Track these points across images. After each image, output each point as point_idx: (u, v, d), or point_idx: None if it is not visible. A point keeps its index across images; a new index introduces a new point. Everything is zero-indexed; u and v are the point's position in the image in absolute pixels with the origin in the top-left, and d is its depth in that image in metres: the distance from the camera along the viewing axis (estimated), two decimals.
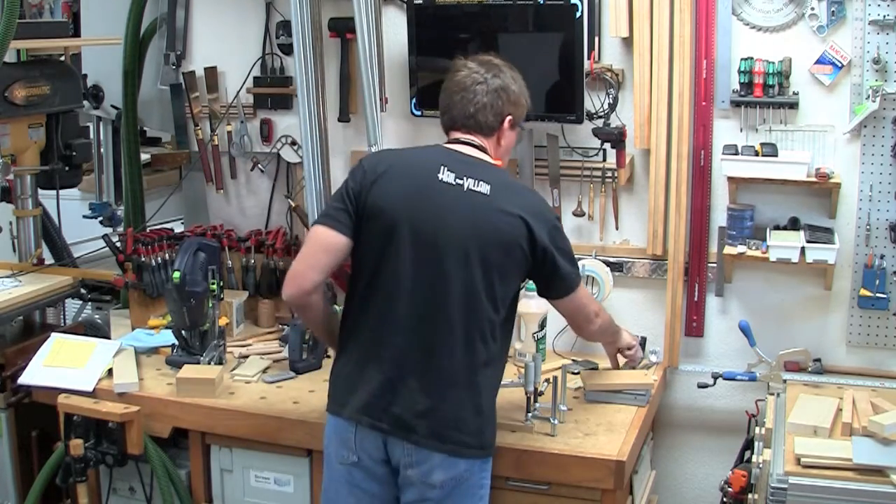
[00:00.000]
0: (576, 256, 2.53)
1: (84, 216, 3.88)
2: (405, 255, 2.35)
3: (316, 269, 2.40)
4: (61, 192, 3.68)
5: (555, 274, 2.45)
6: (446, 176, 2.37)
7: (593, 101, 3.09)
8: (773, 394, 2.86)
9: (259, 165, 3.53)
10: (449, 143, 2.49)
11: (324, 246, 2.40)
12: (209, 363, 3.00)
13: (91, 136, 3.83)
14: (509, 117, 2.48)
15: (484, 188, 2.37)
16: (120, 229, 3.72)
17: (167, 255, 3.39)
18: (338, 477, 2.46)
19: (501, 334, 2.44)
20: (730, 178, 2.96)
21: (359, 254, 2.42)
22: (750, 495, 2.56)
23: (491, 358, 2.41)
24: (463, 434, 2.37)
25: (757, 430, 2.69)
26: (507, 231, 2.36)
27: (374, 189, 2.37)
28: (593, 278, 3.13)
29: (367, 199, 2.38)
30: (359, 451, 2.41)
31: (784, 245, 2.88)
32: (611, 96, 3.07)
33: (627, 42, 3.03)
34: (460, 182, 2.37)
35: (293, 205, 3.47)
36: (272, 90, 3.48)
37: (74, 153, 3.56)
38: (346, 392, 2.43)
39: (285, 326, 3.25)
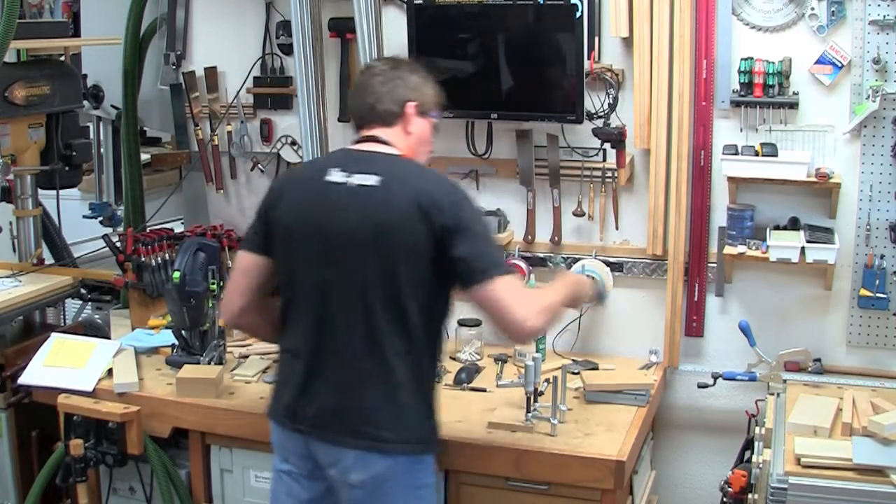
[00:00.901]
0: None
1: (84, 216, 3.88)
2: (306, 263, 2.37)
3: (237, 292, 2.48)
4: (61, 192, 3.68)
5: (458, 258, 2.27)
6: (334, 176, 2.37)
7: (593, 101, 3.09)
8: (773, 394, 2.86)
9: (259, 165, 3.53)
10: (354, 143, 2.49)
11: (242, 269, 2.48)
12: (209, 363, 3.00)
13: (91, 136, 3.83)
14: (412, 103, 2.43)
15: (373, 180, 2.33)
16: (120, 229, 3.71)
17: (167, 255, 3.39)
18: (276, 485, 2.49)
19: (421, 322, 2.31)
20: (730, 178, 2.96)
21: (277, 271, 2.46)
22: (750, 495, 2.56)
23: (408, 349, 2.31)
24: (379, 429, 2.31)
25: (757, 430, 2.69)
26: (399, 219, 2.28)
27: (278, 207, 2.43)
28: (593, 278, 3.13)
29: (272, 218, 2.44)
30: (289, 455, 2.44)
31: (784, 245, 2.88)
32: (611, 96, 3.07)
33: (627, 42, 3.03)
34: (348, 179, 2.35)
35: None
36: (272, 90, 3.48)
37: (74, 153, 3.56)
38: (276, 398, 2.47)
39: None
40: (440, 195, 2.30)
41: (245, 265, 2.47)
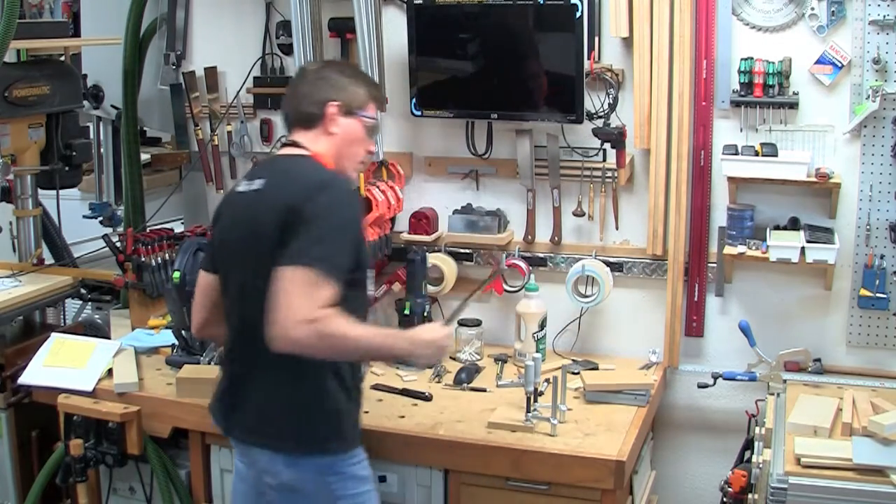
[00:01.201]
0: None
1: (84, 216, 3.87)
2: (227, 273, 2.45)
3: (197, 309, 2.58)
4: (61, 192, 3.68)
5: (287, 243, 2.20)
6: (241, 186, 2.44)
7: (593, 101, 3.09)
8: (773, 394, 2.86)
9: None
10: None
11: (199, 287, 2.57)
12: (209, 363, 3.00)
13: (91, 136, 3.83)
14: (334, 103, 2.41)
15: (258, 184, 2.37)
16: (120, 229, 3.71)
17: (167, 255, 3.39)
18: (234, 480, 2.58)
19: None
20: (730, 178, 2.96)
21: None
22: (750, 495, 2.56)
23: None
24: (281, 431, 2.34)
25: (757, 430, 2.69)
26: (268, 221, 2.26)
27: (216, 224, 2.52)
28: (593, 278, 3.13)
29: (214, 235, 2.54)
30: (234, 457, 2.52)
31: (784, 245, 2.88)
32: (611, 96, 3.07)
33: (627, 42, 3.03)
34: (248, 187, 2.40)
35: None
36: (272, 90, 3.47)
37: (74, 153, 3.56)
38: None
39: None
40: (306, 195, 2.25)
41: (201, 283, 2.56)
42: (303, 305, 2.12)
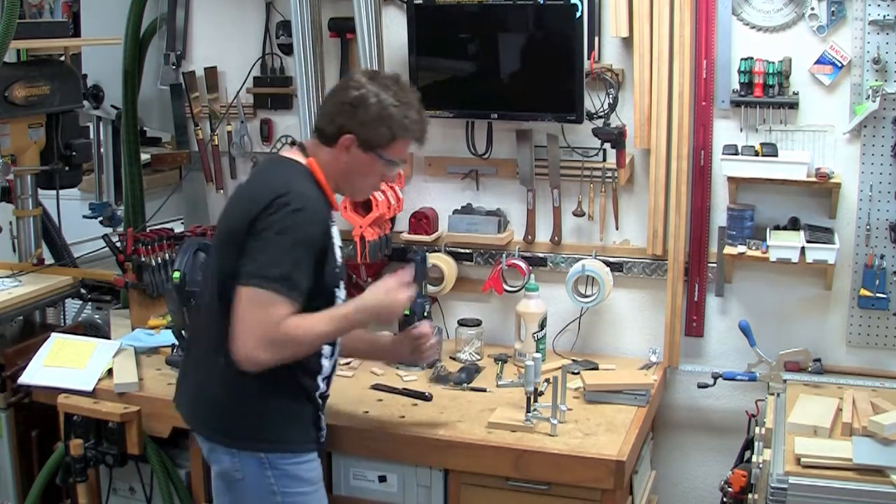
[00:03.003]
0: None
1: (84, 216, 3.88)
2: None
3: None
4: (61, 192, 3.68)
5: (235, 253, 2.23)
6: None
7: (593, 101, 3.09)
8: (773, 394, 2.86)
9: None
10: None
11: None
12: None
13: (91, 136, 3.84)
14: (349, 136, 2.33)
15: (242, 182, 2.44)
16: (120, 229, 3.71)
17: (167, 255, 3.39)
18: None
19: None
20: (730, 178, 2.96)
21: None
22: (750, 495, 2.56)
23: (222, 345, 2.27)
24: (215, 422, 2.38)
25: (757, 430, 2.69)
26: (229, 218, 2.34)
27: None
28: (593, 278, 3.13)
29: None
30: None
31: (784, 245, 2.88)
32: (611, 96, 3.07)
33: (627, 42, 3.03)
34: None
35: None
36: (272, 90, 3.48)
37: (74, 153, 3.56)
38: None
39: None
40: (260, 206, 2.23)
41: None
42: (258, 328, 2.16)
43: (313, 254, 2.26)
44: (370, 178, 2.43)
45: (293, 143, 2.50)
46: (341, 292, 2.45)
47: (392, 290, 2.35)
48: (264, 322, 2.15)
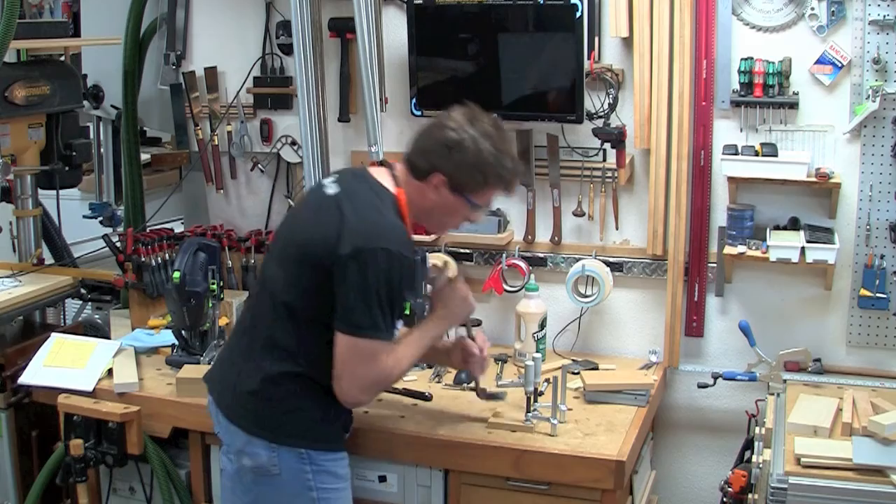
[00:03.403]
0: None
1: (84, 216, 3.87)
2: (267, 256, 2.58)
3: None
4: (61, 192, 3.68)
5: (337, 301, 2.29)
6: (329, 187, 2.42)
7: (593, 101, 3.09)
8: (773, 394, 2.86)
9: (259, 165, 3.53)
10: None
11: None
12: (209, 363, 3.00)
13: (91, 136, 3.83)
14: (439, 175, 2.33)
15: (331, 188, 2.40)
16: (120, 229, 3.71)
17: (167, 255, 3.39)
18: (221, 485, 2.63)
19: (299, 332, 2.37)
20: (730, 178, 2.96)
21: None
22: (750, 495, 2.56)
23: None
24: (253, 413, 2.40)
25: (757, 430, 2.69)
26: (315, 238, 2.32)
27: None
28: (593, 278, 3.13)
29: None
30: (220, 452, 2.54)
31: (784, 245, 2.88)
32: (611, 96, 3.07)
33: (627, 42, 3.03)
34: (328, 190, 2.41)
35: (293, 205, 3.47)
36: (272, 90, 3.48)
37: (74, 153, 3.55)
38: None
39: None
40: (356, 237, 2.26)
41: None
42: (363, 378, 2.32)
43: (403, 294, 2.36)
44: (453, 218, 2.46)
45: (382, 164, 2.49)
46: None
47: (466, 298, 2.54)
48: (369, 372, 2.30)
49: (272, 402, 2.39)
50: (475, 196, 2.38)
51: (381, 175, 2.43)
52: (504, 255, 3.24)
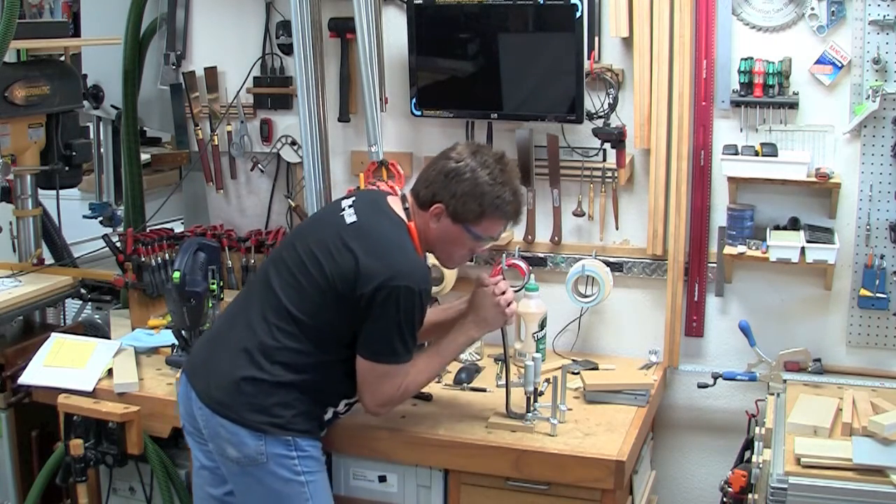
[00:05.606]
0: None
1: (84, 216, 3.88)
2: (270, 259, 2.60)
3: None
4: (61, 192, 3.68)
5: (363, 328, 2.40)
6: (346, 212, 2.48)
7: (593, 101, 3.09)
8: (773, 394, 2.86)
9: (259, 165, 3.53)
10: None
11: None
12: None
13: (91, 136, 3.84)
14: (439, 205, 2.41)
15: (350, 216, 2.45)
16: (120, 229, 3.72)
17: (167, 255, 3.39)
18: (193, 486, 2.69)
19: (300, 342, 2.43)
20: (730, 178, 2.96)
21: None
22: (750, 495, 2.56)
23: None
24: (244, 403, 2.42)
25: (757, 430, 2.69)
26: (336, 266, 2.37)
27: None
28: (593, 278, 3.13)
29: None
30: (183, 414, 2.59)
31: (784, 245, 2.88)
32: (611, 96, 3.07)
33: (627, 42, 3.03)
34: (347, 217, 2.46)
35: (293, 205, 3.47)
36: (272, 90, 3.48)
37: (74, 153, 3.56)
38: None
39: None
40: (380, 273, 2.33)
41: None
42: (386, 396, 2.46)
43: (422, 321, 2.45)
44: (458, 248, 2.51)
45: (402, 198, 2.53)
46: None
47: (499, 305, 2.58)
48: (388, 389, 2.45)
49: (263, 395, 2.41)
50: (475, 226, 2.44)
51: (397, 205, 2.50)
52: (504, 255, 3.24)
